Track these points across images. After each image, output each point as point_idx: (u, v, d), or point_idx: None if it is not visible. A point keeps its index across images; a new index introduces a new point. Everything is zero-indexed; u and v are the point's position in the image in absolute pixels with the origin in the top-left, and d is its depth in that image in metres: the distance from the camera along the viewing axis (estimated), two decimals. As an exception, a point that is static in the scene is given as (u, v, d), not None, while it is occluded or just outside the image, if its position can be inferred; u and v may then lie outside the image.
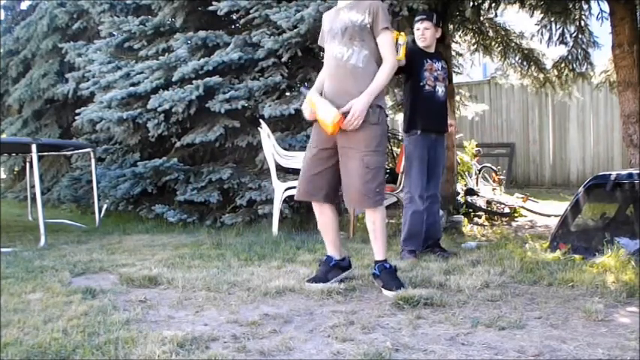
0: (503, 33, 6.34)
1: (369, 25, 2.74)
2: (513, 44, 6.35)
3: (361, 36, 2.74)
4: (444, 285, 2.78)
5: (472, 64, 7.19)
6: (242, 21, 5.23)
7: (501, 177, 7.33)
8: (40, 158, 5.09)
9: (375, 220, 2.79)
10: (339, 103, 2.71)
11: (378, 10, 2.75)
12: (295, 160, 4.61)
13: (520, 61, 6.43)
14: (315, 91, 2.91)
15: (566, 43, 5.73)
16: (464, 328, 2.16)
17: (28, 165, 6.57)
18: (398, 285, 2.65)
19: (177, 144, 5.50)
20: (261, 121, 4.75)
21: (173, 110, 5.19)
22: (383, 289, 2.69)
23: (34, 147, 4.53)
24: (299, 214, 5.07)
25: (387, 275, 2.73)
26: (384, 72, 2.75)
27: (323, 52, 5.42)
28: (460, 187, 5.96)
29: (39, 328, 2.18)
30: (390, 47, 2.79)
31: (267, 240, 4.18)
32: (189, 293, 2.75)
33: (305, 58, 5.21)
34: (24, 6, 10.11)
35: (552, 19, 5.56)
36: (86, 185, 6.51)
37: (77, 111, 6.13)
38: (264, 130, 4.63)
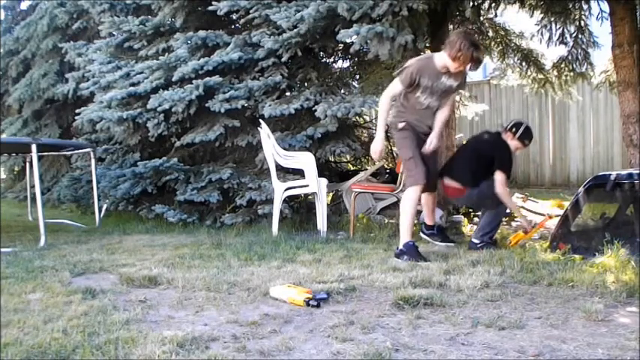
0: (502, 33, 6.34)
1: (456, 87, 3.76)
2: (513, 44, 6.35)
3: (449, 96, 3.80)
4: (444, 285, 2.78)
5: (472, 64, 7.17)
6: (242, 21, 5.23)
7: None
8: (40, 158, 5.09)
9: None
10: (422, 129, 3.78)
11: (465, 79, 3.84)
12: (295, 160, 4.61)
13: (520, 61, 6.43)
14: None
15: (566, 43, 5.72)
16: (464, 328, 2.16)
17: (28, 165, 6.57)
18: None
19: (177, 144, 5.50)
20: (261, 121, 4.76)
21: (173, 110, 5.19)
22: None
23: (34, 147, 4.53)
24: (299, 214, 5.07)
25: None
26: (446, 113, 3.86)
27: (323, 51, 5.51)
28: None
29: (39, 328, 2.18)
30: (453, 101, 4.06)
31: (267, 240, 4.18)
32: (189, 293, 2.75)
33: (305, 58, 5.21)
34: (24, 6, 10.13)
35: (552, 19, 5.56)
36: (86, 185, 6.51)
37: (77, 111, 6.13)
38: (264, 130, 4.63)
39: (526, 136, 3.94)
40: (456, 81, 3.68)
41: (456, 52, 3.43)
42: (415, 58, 3.79)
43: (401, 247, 3.53)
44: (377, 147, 3.70)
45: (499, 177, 3.76)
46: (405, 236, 3.55)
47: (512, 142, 3.92)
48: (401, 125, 3.73)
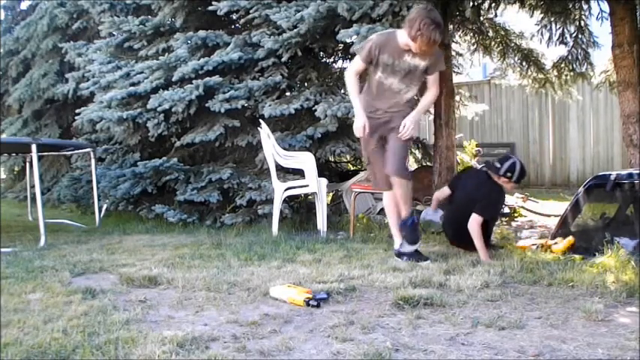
0: (502, 33, 6.34)
1: (426, 68, 3.35)
2: (513, 44, 6.35)
3: (419, 77, 3.40)
4: (444, 285, 2.78)
5: (472, 64, 7.19)
6: (242, 21, 5.23)
7: (501, 177, 7.30)
8: (40, 158, 5.08)
9: None
10: (391, 113, 3.43)
11: (438, 59, 3.39)
12: (295, 160, 4.61)
13: (520, 61, 6.43)
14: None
15: (566, 43, 5.73)
16: (464, 328, 2.16)
17: (28, 165, 6.57)
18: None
19: (177, 144, 5.50)
20: (261, 121, 4.76)
21: (173, 110, 5.19)
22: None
23: (34, 147, 4.53)
24: (299, 214, 5.07)
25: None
26: (429, 98, 3.47)
27: (323, 52, 5.51)
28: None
29: (39, 328, 2.18)
30: (437, 82, 3.43)
31: (267, 240, 4.18)
32: (189, 293, 2.75)
33: (305, 58, 5.21)
34: (24, 6, 10.13)
35: (552, 19, 5.56)
36: (86, 185, 6.51)
37: (77, 111, 6.13)
38: (264, 130, 4.63)
39: (522, 176, 3.61)
40: (423, 60, 3.29)
41: (415, 31, 3.07)
42: (376, 34, 3.49)
43: (397, 247, 3.52)
44: (357, 123, 3.36)
45: (477, 218, 3.43)
46: (397, 238, 3.54)
47: (509, 185, 3.61)
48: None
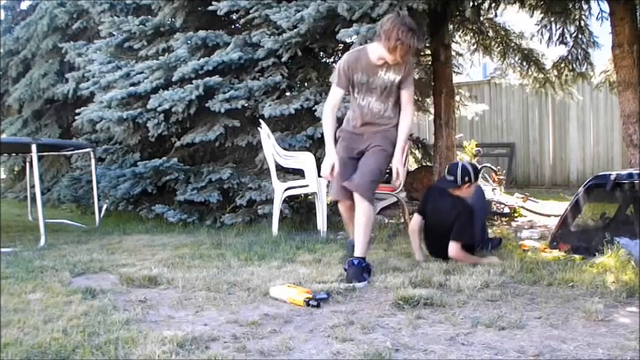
0: (503, 33, 6.34)
1: (399, 81, 3.15)
2: (513, 44, 6.35)
3: (395, 93, 3.18)
4: (444, 285, 2.78)
5: (472, 64, 7.19)
6: (242, 21, 5.23)
7: (501, 177, 7.32)
8: (40, 158, 5.09)
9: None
10: (372, 132, 3.20)
11: (410, 70, 3.18)
12: (295, 160, 4.61)
13: (520, 61, 6.43)
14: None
15: (566, 43, 5.73)
16: (464, 328, 2.16)
17: (28, 165, 6.57)
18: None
19: (177, 144, 5.50)
20: (261, 121, 4.76)
21: (173, 110, 5.19)
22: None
23: (34, 147, 4.53)
24: (299, 214, 5.07)
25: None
26: (408, 121, 3.20)
27: (323, 51, 5.51)
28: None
29: (39, 328, 2.18)
30: (412, 98, 3.23)
31: (267, 240, 4.18)
32: (189, 293, 2.75)
33: (305, 58, 5.21)
34: (24, 6, 10.13)
35: (552, 19, 5.57)
36: (86, 185, 6.51)
37: (77, 111, 6.14)
38: (264, 130, 4.63)
39: (477, 172, 3.48)
40: (398, 74, 3.10)
41: (395, 41, 2.92)
42: (345, 53, 3.29)
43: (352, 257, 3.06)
44: (326, 163, 3.08)
45: (456, 245, 3.26)
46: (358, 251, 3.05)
47: (471, 189, 3.44)
48: (338, 134, 3.26)
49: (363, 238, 3.03)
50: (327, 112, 3.16)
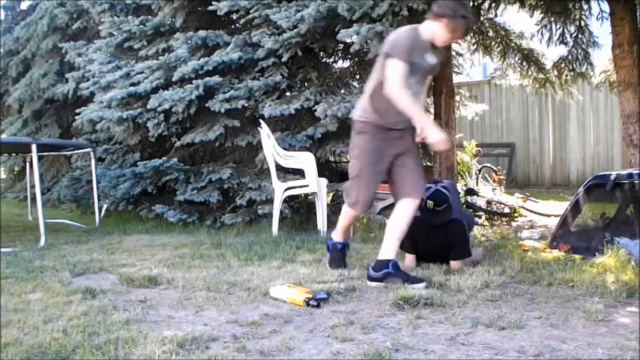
0: (503, 33, 6.34)
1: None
2: (513, 44, 6.36)
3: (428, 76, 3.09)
4: (444, 285, 2.78)
5: (472, 64, 7.19)
6: (242, 21, 5.23)
7: (501, 177, 7.33)
8: (40, 158, 5.08)
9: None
10: (406, 124, 2.94)
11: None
12: (295, 160, 4.61)
13: (520, 61, 6.43)
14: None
15: (566, 43, 5.73)
16: (464, 328, 2.16)
17: (28, 165, 6.57)
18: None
19: (177, 144, 5.50)
20: (261, 121, 4.76)
21: (173, 110, 5.19)
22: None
23: (34, 147, 4.53)
24: (299, 214, 5.07)
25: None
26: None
27: (323, 51, 5.51)
28: (460, 187, 5.95)
29: (39, 328, 2.18)
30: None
31: (267, 240, 4.18)
32: (189, 293, 2.75)
33: (305, 58, 5.21)
34: (24, 6, 10.14)
35: (552, 19, 5.57)
36: (86, 185, 6.51)
37: (77, 111, 6.13)
38: (264, 130, 4.63)
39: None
40: (437, 58, 2.99)
41: (460, 20, 2.79)
42: (395, 31, 3.02)
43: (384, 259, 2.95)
44: (439, 134, 2.82)
45: (457, 263, 3.18)
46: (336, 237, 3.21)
47: None
48: (360, 126, 3.01)
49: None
50: (401, 88, 2.80)
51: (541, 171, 9.79)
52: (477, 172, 7.26)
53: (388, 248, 2.92)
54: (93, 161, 5.58)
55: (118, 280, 3.06)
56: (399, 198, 3.00)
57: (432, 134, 2.81)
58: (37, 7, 8.90)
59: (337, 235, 3.30)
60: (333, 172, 6.13)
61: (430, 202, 3.14)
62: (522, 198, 6.27)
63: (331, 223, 4.82)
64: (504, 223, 5.37)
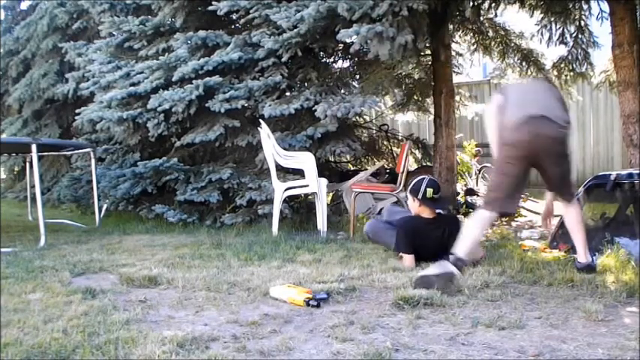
0: (502, 33, 6.34)
1: None
2: (513, 44, 6.35)
3: None
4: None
5: (472, 64, 7.20)
6: (242, 21, 5.23)
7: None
8: (40, 158, 5.08)
9: None
10: None
11: None
12: (295, 160, 4.61)
13: (519, 61, 6.43)
14: None
15: (566, 43, 5.73)
16: (464, 328, 2.16)
17: (28, 165, 6.57)
18: None
19: (177, 144, 5.50)
20: (261, 121, 4.76)
21: (173, 110, 5.19)
22: None
23: (34, 147, 4.53)
24: (299, 214, 5.07)
25: None
26: None
27: (323, 51, 5.52)
28: (460, 187, 5.96)
29: (39, 328, 2.18)
30: None
31: (267, 240, 4.18)
32: (189, 293, 2.75)
33: (305, 58, 5.21)
34: (24, 6, 10.13)
35: (552, 19, 5.56)
36: (86, 185, 6.51)
37: (77, 111, 6.13)
38: (264, 130, 4.63)
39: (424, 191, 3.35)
40: None
41: None
42: None
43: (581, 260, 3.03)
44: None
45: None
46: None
47: (420, 207, 3.39)
48: None
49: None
50: None
51: (541, 171, 9.77)
52: (477, 171, 7.27)
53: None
54: (93, 161, 5.58)
55: (118, 280, 3.06)
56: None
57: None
58: (37, 7, 8.90)
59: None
60: (333, 172, 6.14)
61: (430, 190, 3.31)
62: (522, 198, 6.26)
63: (331, 223, 4.84)
64: (504, 223, 5.37)
